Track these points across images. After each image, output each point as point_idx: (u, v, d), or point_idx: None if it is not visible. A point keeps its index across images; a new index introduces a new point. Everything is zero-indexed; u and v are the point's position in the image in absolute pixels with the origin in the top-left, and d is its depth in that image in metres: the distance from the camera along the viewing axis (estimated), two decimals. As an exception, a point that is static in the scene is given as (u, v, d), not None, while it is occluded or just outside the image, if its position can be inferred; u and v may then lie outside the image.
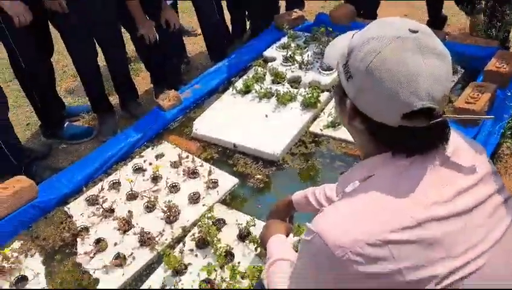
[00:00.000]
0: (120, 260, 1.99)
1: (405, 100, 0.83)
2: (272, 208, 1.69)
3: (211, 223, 2.06)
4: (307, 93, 2.84)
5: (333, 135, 2.65)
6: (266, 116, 2.82)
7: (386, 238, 0.82)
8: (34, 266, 2.04)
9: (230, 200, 2.31)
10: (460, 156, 0.94)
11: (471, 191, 0.90)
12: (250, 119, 2.81)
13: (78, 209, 2.31)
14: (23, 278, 1.99)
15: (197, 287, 1.83)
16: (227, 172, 2.45)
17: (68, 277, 1.98)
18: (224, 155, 2.62)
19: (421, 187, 0.87)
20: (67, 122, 2.98)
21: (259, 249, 1.94)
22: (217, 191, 2.32)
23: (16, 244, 2.15)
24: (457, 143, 0.96)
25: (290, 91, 2.92)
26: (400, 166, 0.90)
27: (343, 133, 2.64)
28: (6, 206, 2.19)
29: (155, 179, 2.44)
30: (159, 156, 2.61)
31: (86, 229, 2.18)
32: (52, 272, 2.02)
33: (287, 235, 1.47)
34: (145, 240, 2.05)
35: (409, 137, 0.87)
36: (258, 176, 2.41)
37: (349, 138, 2.82)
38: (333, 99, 2.54)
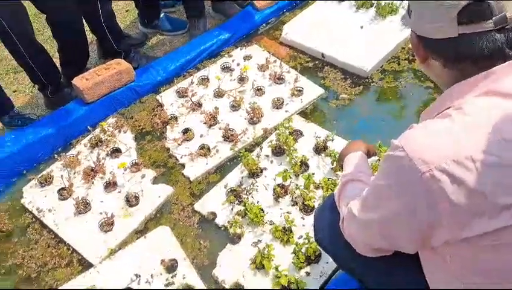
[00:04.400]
0: (205, 150, 2.16)
1: (450, 2, 0.84)
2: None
3: (288, 132, 2.11)
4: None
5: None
6: (361, 27, 2.66)
7: (475, 157, 0.79)
8: (126, 141, 2.26)
9: (311, 111, 2.32)
10: None
11: None
12: (343, 29, 2.67)
13: (168, 99, 2.45)
14: (117, 150, 2.23)
15: (272, 191, 1.95)
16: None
17: (156, 156, 2.20)
18: (314, 66, 2.56)
19: None
20: (163, 14, 3.02)
21: (335, 164, 1.99)
22: (301, 100, 2.33)
23: (111, 120, 2.38)
24: None
25: (392, 2, 2.69)
26: (483, 86, 0.85)
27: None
28: (108, 85, 2.38)
29: (242, 79, 2.49)
30: (247, 57, 2.62)
31: (175, 118, 2.34)
32: (142, 149, 2.25)
33: (369, 156, 1.44)
34: (229, 136, 2.18)
35: (476, 45, 0.85)
36: (344, 95, 2.37)
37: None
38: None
